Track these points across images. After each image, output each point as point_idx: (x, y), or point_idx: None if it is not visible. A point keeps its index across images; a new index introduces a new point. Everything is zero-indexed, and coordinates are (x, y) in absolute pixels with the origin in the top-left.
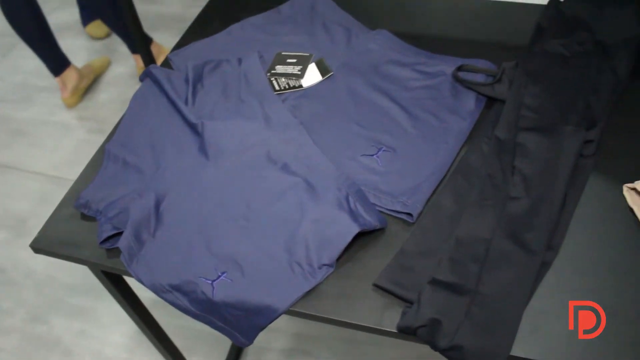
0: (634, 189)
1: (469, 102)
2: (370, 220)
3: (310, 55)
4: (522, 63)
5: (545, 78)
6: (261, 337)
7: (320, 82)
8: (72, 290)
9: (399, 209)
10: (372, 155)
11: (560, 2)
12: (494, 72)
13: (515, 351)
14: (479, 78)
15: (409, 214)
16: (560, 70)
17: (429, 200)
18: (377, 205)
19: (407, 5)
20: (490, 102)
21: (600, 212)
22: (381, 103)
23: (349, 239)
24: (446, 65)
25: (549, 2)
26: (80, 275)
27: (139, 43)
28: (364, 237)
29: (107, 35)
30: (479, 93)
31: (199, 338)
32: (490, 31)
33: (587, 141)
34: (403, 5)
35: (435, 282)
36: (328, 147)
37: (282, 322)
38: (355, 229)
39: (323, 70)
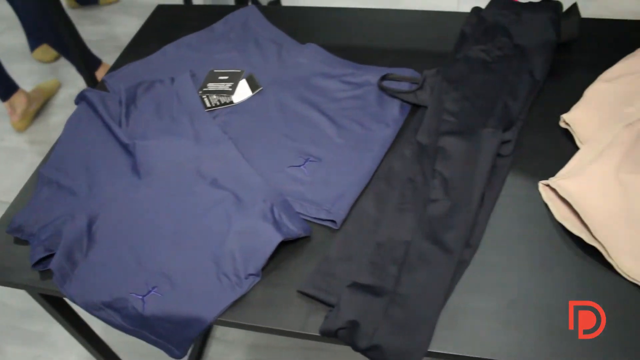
0: (548, 185)
1: (394, 110)
2: (294, 229)
3: (242, 72)
4: (445, 70)
5: (467, 83)
6: (217, 349)
7: (250, 98)
8: (24, 316)
9: (323, 216)
10: (299, 166)
11: (482, 9)
12: (417, 80)
13: (433, 347)
14: (404, 86)
15: (333, 221)
16: (481, 75)
17: (353, 207)
18: (302, 214)
19: (336, 18)
20: (415, 108)
21: (518, 208)
22: (309, 115)
23: (272, 248)
24: (372, 75)
25: (471, 10)
26: (32, 300)
27: (81, 66)
28: (289, 246)
29: (56, 59)
30: (403, 101)
31: (150, 355)
32: (417, 40)
33: (505, 142)
34: (332, 18)
35: (354, 286)
36: (257, 160)
37: (238, 333)
38: (278, 239)
39: (253, 85)
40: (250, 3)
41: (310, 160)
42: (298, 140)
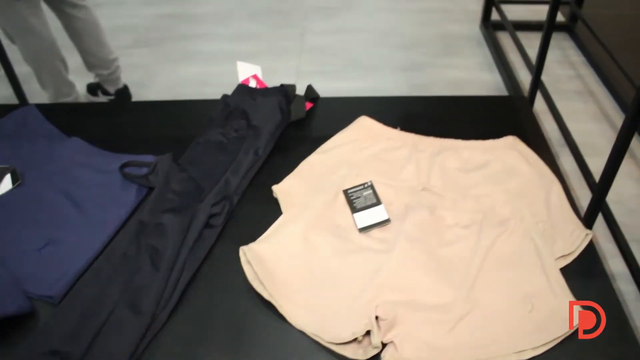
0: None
1: (131, 193)
2: (13, 308)
3: (8, 167)
4: (186, 153)
5: (198, 164)
6: None
7: (10, 190)
8: None
9: (46, 293)
10: (40, 249)
11: (229, 96)
12: (154, 164)
13: None
14: (143, 171)
15: (52, 297)
16: (214, 155)
17: (74, 283)
18: (29, 291)
19: (105, 111)
20: (151, 190)
21: (219, 273)
22: (59, 203)
23: None
24: (120, 163)
25: (221, 97)
26: None
27: None
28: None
29: None
30: (139, 184)
31: None
32: (167, 127)
33: (215, 214)
34: (100, 111)
35: (46, 353)
36: (8, 246)
37: None
38: None
39: (15, 179)
40: (100, 93)
41: (50, 244)
42: (44, 226)
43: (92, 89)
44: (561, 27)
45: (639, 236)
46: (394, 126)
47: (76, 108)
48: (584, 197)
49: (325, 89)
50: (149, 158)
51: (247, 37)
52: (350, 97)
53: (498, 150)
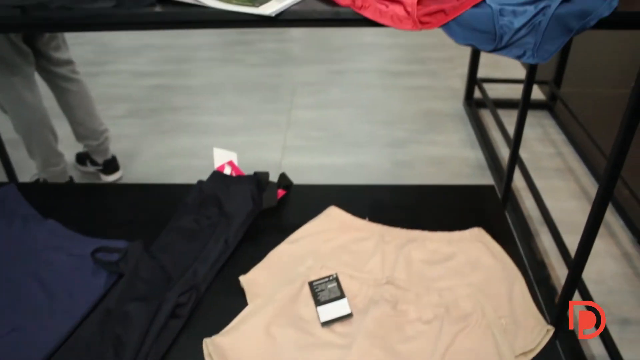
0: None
1: (101, 279)
2: None
3: None
4: (158, 239)
5: (169, 251)
6: None
7: None
8: None
9: None
10: (3, 336)
11: (204, 182)
12: (125, 251)
13: None
14: (114, 257)
15: None
16: (184, 243)
17: None
18: None
19: (88, 192)
20: (121, 277)
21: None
22: (29, 287)
23: None
24: (92, 247)
25: (196, 183)
26: None
27: None
28: None
29: None
30: (110, 271)
31: None
32: (143, 210)
33: (181, 304)
34: (81, 193)
35: None
36: None
37: None
38: None
39: None
40: (88, 163)
41: (12, 330)
42: (10, 312)
43: (81, 158)
44: (542, 106)
45: (618, 317)
46: (363, 216)
47: (56, 188)
48: (564, 276)
49: (310, 165)
50: (121, 244)
51: (236, 110)
52: (322, 185)
53: (463, 242)
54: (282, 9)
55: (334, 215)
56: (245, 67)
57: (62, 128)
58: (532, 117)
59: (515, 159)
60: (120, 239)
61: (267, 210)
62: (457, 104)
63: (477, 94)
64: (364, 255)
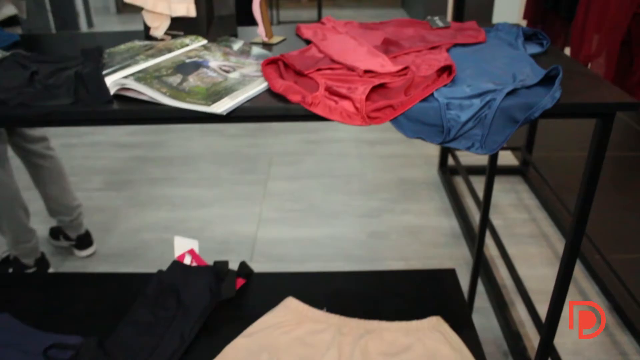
0: None
1: None
2: None
3: None
4: (114, 334)
5: (125, 347)
6: None
7: None
8: None
9: None
10: None
11: (163, 272)
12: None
13: None
14: (67, 355)
15: None
16: (140, 338)
17: None
18: None
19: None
20: None
21: None
22: None
23: None
24: (46, 343)
25: (156, 272)
26: None
27: None
28: None
29: None
30: None
31: None
32: (100, 301)
33: None
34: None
35: None
36: None
37: None
38: None
39: None
40: (62, 238)
41: None
42: None
43: (54, 233)
44: (515, 171)
45: None
46: (321, 306)
47: (12, 278)
48: None
49: (285, 238)
50: (75, 339)
51: (214, 181)
52: (283, 272)
53: (421, 331)
54: (233, 107)
55: (291, 307)
56: (224, 137)
57: (36, 202)
58: (506, 183)
59: (484, 227)
60: (77, 333)
61: (226, 300)
62: (432, 171)
63: (451, 160)
64: (320, 348)
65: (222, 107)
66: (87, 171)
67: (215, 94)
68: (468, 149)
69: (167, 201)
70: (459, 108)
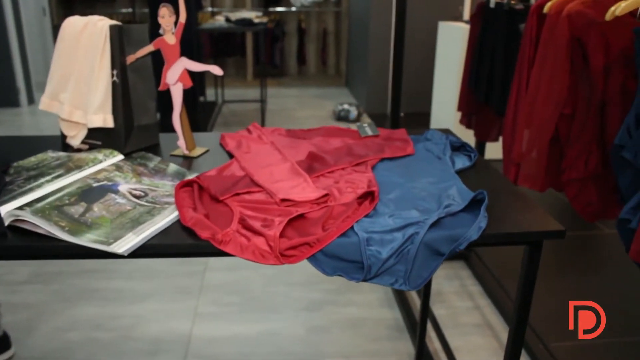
0: None
1: None
2: None
3: None
4: None
5: None
6: None
7: None
8: None
9: None
10: None
11: None
12: None
13: None
14: None
15: None
16: None
17: None
18: None
19: None
20: None
21: None
22: None
23: None
24: None
25: None
26: None
27: None
28: None
29: None
30: None
31: None
32: None
33: None
34: None
35: None
36: None
37: None
38: None
39: None
40: None
41: None
42: None
43: None
44: (459, 256)
45: None
46: None
47: None
48: None
49: (221, 336)
50: None
51: (147, 273)
52: None
53: None
54: (137, 246)
55: None
56: None
57: None
58: (449, 269)
59: (425, 321)
60: None
61: None
62: None
63: None
64: None
65: (124, 245)
66: (12, 262)
67: (120, 228)
68: (392, 284)
69: (99, 295)
70: (380, 243)
